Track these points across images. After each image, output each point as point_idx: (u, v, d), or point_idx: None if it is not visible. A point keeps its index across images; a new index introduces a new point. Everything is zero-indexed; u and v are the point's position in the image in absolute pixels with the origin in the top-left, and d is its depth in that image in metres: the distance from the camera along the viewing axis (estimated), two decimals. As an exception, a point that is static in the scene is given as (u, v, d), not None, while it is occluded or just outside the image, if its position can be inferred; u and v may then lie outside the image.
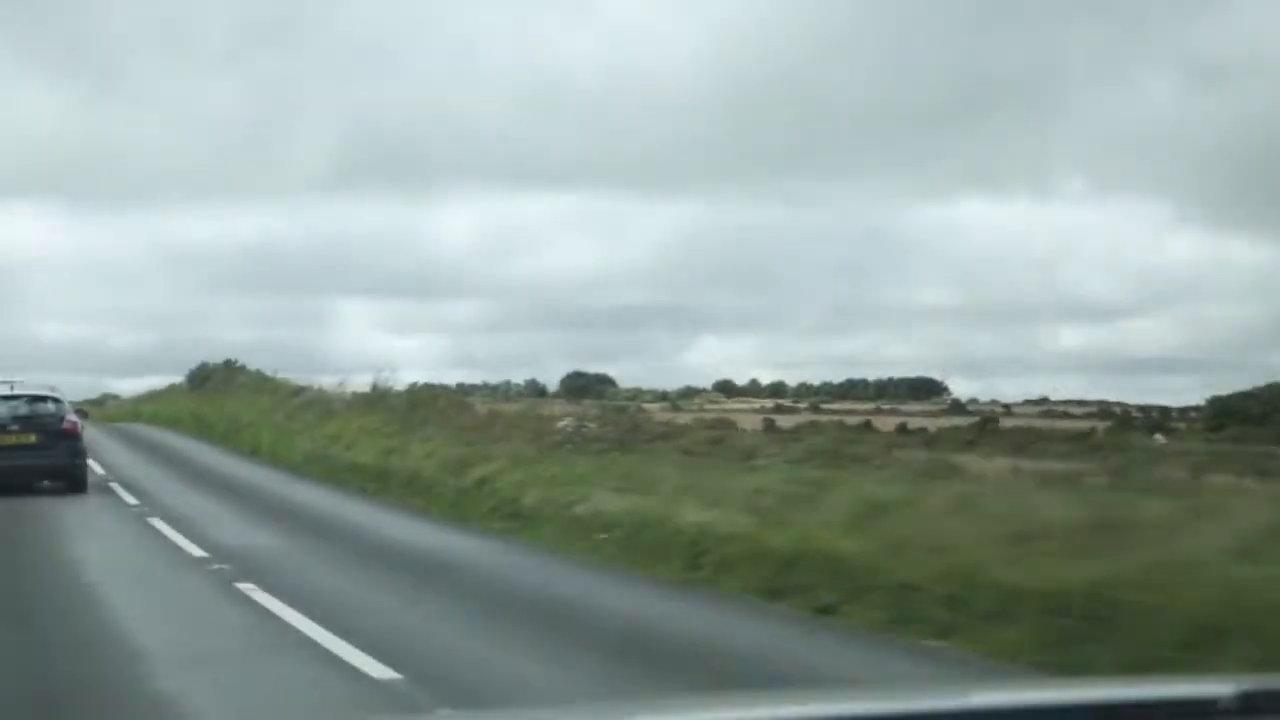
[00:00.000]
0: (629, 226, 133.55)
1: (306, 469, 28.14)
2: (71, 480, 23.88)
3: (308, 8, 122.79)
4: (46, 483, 23.81)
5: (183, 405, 44.99)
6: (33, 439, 23.78)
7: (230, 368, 47.57)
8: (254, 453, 32.29)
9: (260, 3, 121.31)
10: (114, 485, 25.01)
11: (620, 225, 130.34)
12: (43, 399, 24.75)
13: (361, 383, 34.96)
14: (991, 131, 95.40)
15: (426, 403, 31.18)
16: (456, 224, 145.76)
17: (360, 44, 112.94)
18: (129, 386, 59.33)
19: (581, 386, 64.82)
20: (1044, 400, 72.19)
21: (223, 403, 40.87)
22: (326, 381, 37.97)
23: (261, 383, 42.69)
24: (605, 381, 68.16)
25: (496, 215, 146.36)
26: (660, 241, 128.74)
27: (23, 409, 24.32)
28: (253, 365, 46.34)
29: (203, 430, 38.22)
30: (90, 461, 25.78)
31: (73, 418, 24.67)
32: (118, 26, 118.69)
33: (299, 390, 38.63)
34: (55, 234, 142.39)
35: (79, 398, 39.21)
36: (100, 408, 54.50)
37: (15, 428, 23.86)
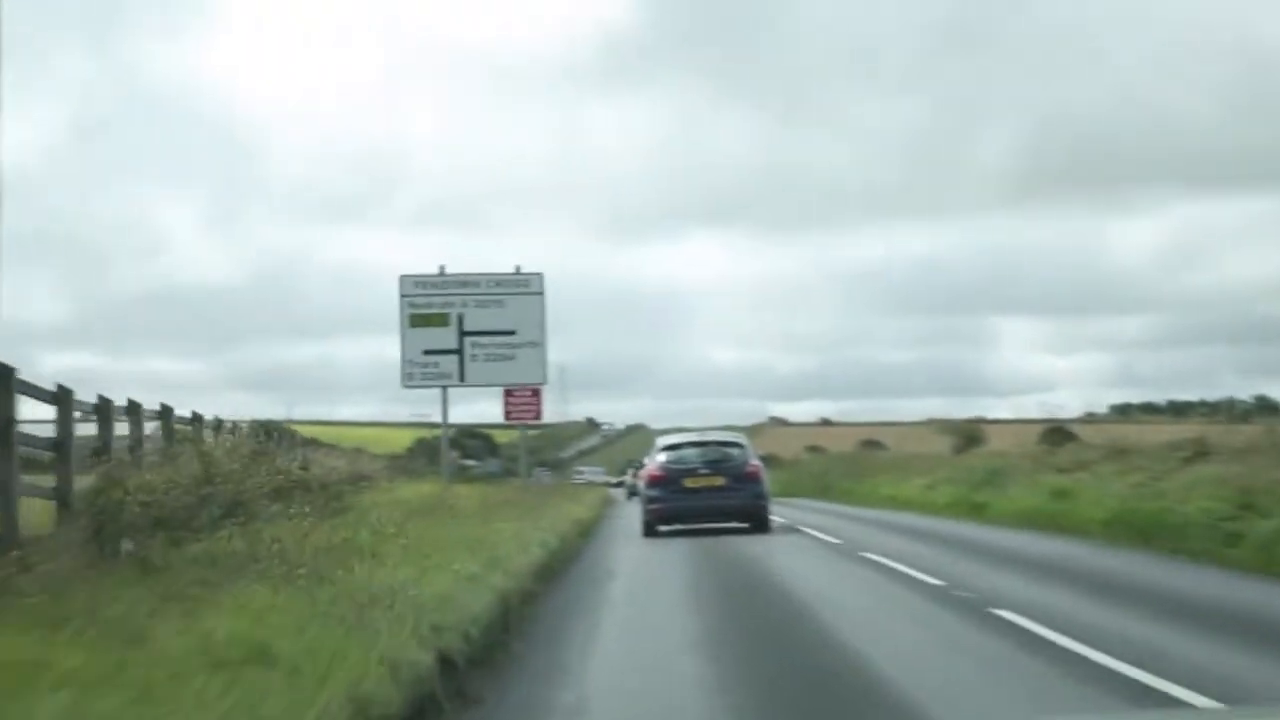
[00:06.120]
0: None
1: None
2: (755, 520, 25.41)
3: (994, 6, 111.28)
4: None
5: None
6: (720, 482, 25.60)
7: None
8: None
9: (946, 9, 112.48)
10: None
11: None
12: (728, 444, 26.88)
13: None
14: None
15: None
16: (1136, 233, 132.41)
17: (1052, 40, 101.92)
18: (788, 411, 55.27)
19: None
20: None
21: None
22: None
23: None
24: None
25: (1182, 221, 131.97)
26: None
27: (711, 454, 26.20)
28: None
29: None
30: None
31: (755, 462, 26.28)
32: (808, 54, 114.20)
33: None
34: (735, 260, 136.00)
35: (745, 423, 36.86)
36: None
37: (704, 471, 25.75)
